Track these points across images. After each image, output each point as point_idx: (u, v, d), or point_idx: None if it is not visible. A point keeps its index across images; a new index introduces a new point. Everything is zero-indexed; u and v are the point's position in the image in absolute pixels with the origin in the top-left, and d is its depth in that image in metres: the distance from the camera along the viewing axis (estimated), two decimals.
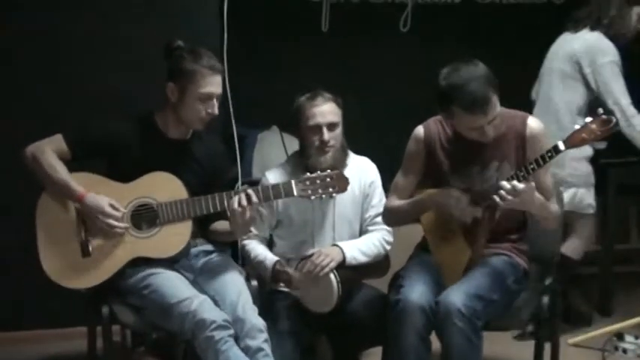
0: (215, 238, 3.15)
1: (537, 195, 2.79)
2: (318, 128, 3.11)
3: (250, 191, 2.87)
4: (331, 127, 3.12)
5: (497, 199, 2.73)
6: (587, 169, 3.94)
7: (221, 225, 3.09)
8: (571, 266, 3.99)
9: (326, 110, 3.12)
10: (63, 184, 2.89)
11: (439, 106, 2.85)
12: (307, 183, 2.89)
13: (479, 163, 2.94)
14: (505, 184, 2.72)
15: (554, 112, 3.90)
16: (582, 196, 3.93)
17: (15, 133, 3.34)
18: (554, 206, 2.93)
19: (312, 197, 2.90)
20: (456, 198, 2.86)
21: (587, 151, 3.88)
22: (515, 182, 2.71)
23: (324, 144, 3.11)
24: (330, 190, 2.90)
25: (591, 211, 3.98)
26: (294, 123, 3.20)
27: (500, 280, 2.91)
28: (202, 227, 3.12)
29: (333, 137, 3.12)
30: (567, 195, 3.80)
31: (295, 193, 2.88)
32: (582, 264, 4.12)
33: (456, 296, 2.76)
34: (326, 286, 3.03)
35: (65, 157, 2.93)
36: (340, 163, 3.16)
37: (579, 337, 3.86)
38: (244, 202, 2.85)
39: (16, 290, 3.74)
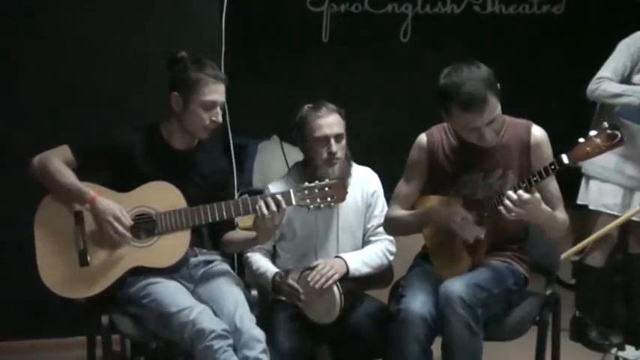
0: (230, 249, 3.15)
1: (544, 207, 2.76)
2: (325, 140, 3.10)
3: (279, 197, 2.85)
4: (338, 138, 3.12)
5: (503, 210, 2.71)
6: (615, 162, 3.77)
7: (235, 235, 3.09)
8: (596, 276, 3.93)
9: (332, 121, 3.11)
10: (73, 188, 2.88)
11: (438, 104, 2.84)
12: (306, 192, 2.88)
13: (482, 170, 2.93)
14: (511, 193, 2.69)
15: None
16: (606, 192, 3.81)
17: (15, 141, 3.34)
18: (561, 216, 2.89)
19: (311, 207, 2.89)
20: (461, 217, 2.84)
21: None
22: (521, 192, 2.68)
23: (332, 155, 3.10)
24: (329, 199, 2.89)
25: (617, 211, 3.80)
26: (298, 134, 3.18)
27: (501, 278, 2.91)
28: (214, 239, 3.12)
29: (339, 148, 3.12)
30: (589, 189, 3.73)
31: (294, 202, 2.88)
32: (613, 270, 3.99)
33: (457, 285, 2.77)
34: (329, 298, 3.02)
35: (71, 167, 2.92)
36: (347, 173, 3.17)
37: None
38: (273, 207, 2.83)
39: (15, 299, 3.72)
